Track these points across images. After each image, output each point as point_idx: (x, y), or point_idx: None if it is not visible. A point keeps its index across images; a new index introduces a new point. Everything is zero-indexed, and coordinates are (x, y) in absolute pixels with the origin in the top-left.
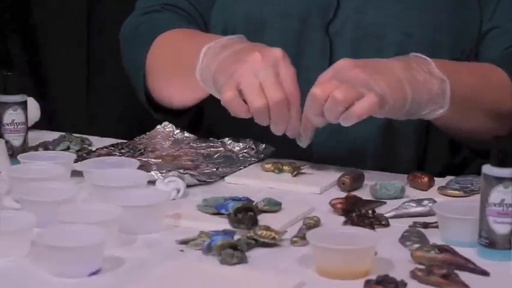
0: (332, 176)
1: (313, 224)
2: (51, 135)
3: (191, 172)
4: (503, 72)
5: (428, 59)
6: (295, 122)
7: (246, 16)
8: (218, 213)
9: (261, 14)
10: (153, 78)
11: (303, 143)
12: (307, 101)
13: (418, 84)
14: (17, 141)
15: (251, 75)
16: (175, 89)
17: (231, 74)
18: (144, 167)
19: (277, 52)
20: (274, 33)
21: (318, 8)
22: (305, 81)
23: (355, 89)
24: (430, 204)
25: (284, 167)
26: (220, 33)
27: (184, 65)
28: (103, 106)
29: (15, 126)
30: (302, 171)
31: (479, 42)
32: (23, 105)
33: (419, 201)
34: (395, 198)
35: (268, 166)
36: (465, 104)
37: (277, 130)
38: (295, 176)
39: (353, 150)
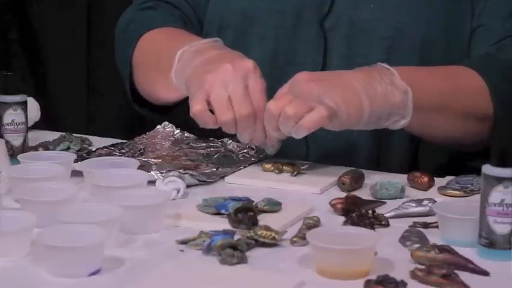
0: (332, 176)
1: (313, 224)
2: (51, 135)
3: (191, 172)
4: (477, 75)
5: (392, 69)
6: (260, 134)
7: (240, 11)
8: (218, 213)
9: (255, 9)
10: (138, 75)
11: (269, 151)
12: (265, 116)
13: (377, 96)
14: (17, 141)
15: (220, 87)
16: (158, 87)
17: (201, 85)
18: (144, 167)
19: (248, 63)
20: (269, 28)
21: (312, 3)
22: None
23: (305, 104)
24: (430, 204)
25: (284, 167)
26: (217, 28)
27: (162, 66)
28: (103, 106)
29: (15, 126)
30: (302, 171)
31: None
32: (23, 105)
33: (419, 201)
34: (396, 198)
35: (268, 166)
36: (433, 111)
37: (243, 139)
38: (295, 176)
39: (348, 144)
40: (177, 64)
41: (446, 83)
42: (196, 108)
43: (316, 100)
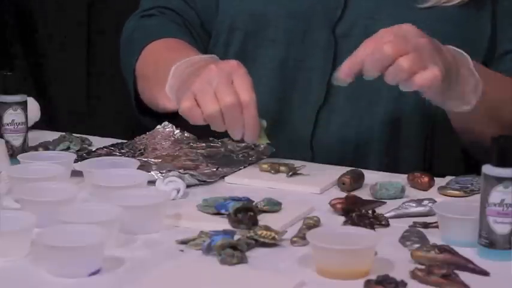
0: (332, 176)
1: (313, 224)
2: (51, 135)
3: (191, 172)
4: None
5: (468, 57)
6: (251, 127)
7: (250, 14)
8: (218, 213)
9: (265, 12)
10: (140, 85)
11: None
12: (374, 55)
13: (460, 76)
14: (17, 141)
15: (205, 83)
16: (158, 97)
17: (188, 87)
18: (144, 167)
19: (232, 62)
20: (279, 31)
21: (323, 8)
22: (307, 81)
23: (422, 60)
24: (430, 204)
25: (281, 167)
26: (227, 29)
27: (160, 79)
28: (103, 106)
29: (15, 126)
30: (299, 171)
31: (496, 61)
32: (23, 105)
33: (419, 201)
34: (396, 198)
35: (265, 166)
36: (487, 110)
37: (233, 135)
38: (290, 176)
39: (356, 153)
40: (171, 79)
41: (502, 87)
42: (185, 104)
43: (429, 57)
